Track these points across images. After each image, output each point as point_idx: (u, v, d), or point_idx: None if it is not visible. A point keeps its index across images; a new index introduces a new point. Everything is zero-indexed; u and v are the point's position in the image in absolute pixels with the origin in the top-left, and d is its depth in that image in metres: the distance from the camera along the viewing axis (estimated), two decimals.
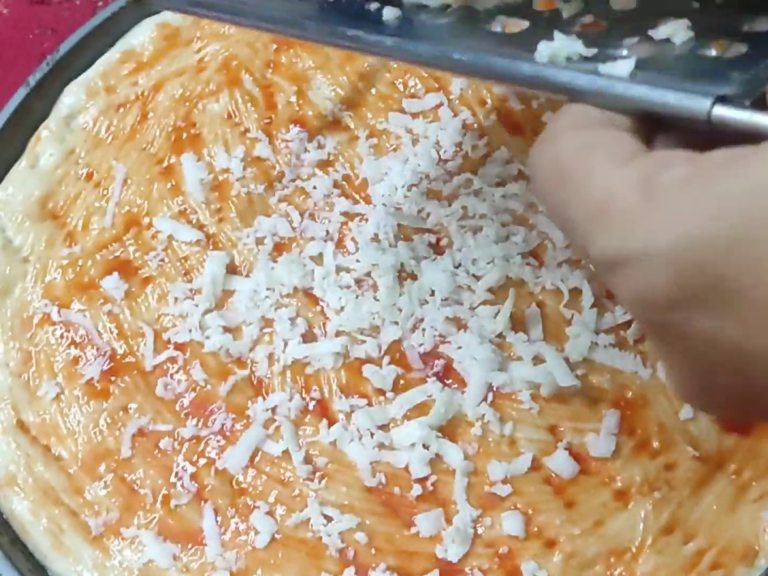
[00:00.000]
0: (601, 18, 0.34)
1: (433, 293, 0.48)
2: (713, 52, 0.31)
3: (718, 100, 0.28)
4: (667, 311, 0.26)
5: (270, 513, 0.45)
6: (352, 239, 0.50)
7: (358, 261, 0.49)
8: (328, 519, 0.44)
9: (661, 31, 0.32)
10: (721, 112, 0.27)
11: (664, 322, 0.27)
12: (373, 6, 0.38)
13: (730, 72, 0.29)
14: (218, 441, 0.47)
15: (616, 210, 0.27)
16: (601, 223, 0.27)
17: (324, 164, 0.52)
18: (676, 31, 0.32)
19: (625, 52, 0.31)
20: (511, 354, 0.46)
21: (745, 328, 0.25)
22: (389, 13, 0.37)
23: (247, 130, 0.53)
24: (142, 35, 0.57)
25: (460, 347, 0.47)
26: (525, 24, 0.35)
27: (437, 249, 0.49)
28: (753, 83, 0.28)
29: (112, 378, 0.48)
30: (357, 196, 0.51)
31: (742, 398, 0.28)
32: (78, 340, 0.49)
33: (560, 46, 0.31)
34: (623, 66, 0.30)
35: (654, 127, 0.30)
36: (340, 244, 0.50)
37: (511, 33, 0.35)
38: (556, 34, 0.32)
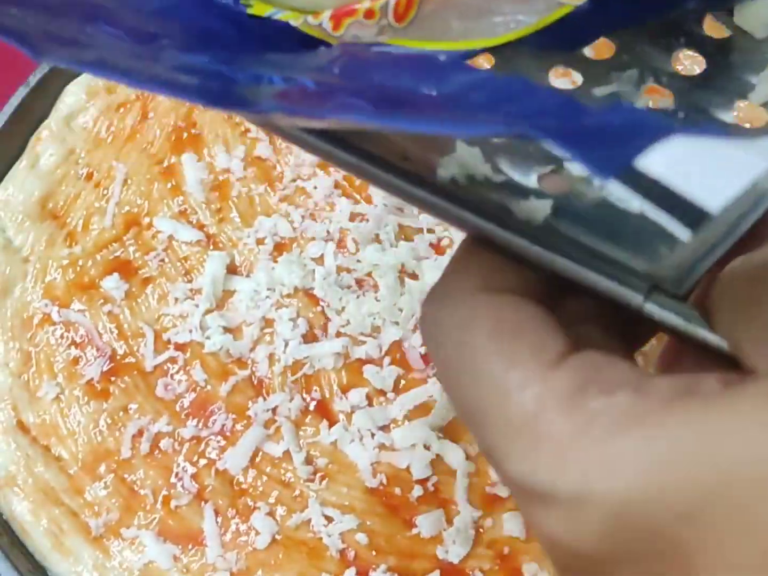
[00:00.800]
0: None
1: None
2: (636, 205, 0.27)
3: (652, 290, 0.24)
4: (591, 564, 0.22)
5: (270, 514, 0.45)
6: (353, 239, 0.50)
7: (359, 261, 0.49)
8: (329, 520, 0.44)
9: (579, 168, 0.27)
10: (655, 310, 0.25)
11: (585, 572, 0.23)
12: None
13: (660, 254, 0.26)
14: (218, 441, 0.47)
15: (543, 432, 0.22)
16: (523, 442, 0.23)
17: (325, 164, 0.52)
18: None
19: (534, 179, 0.27)
20: None
21: None
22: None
23: (247, 130, 0.53)
24: None
25: None
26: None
27: (438, 249, 0.49)
28: (687, 272, 0.25)
29: (113, 378, 0.48)
30: (358, 196, 0.51)
31: None
32: (78, 340, 0.49)
33: (465, 161, 0.26)
34: (538, 209, 0.26)
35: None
36: (340, 244, 0.50)
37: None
38: (459, 145, 0.26)
